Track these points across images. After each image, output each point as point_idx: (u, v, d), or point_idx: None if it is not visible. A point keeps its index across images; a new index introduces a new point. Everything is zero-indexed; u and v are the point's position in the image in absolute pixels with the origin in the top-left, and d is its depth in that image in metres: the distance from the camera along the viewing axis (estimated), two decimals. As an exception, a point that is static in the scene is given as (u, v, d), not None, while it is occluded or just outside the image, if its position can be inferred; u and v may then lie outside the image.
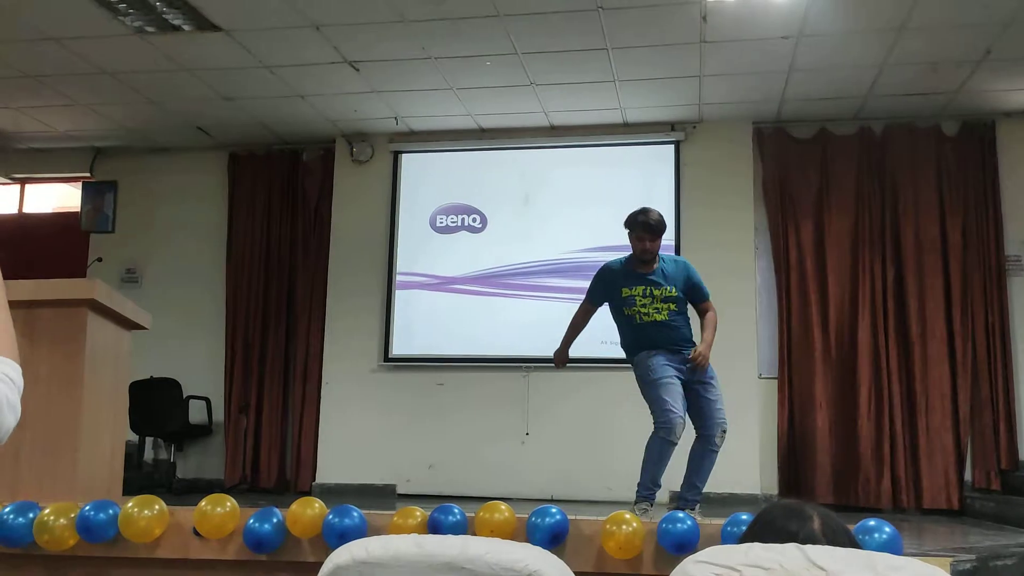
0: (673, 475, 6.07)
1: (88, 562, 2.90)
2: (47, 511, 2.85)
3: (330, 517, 2.78)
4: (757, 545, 1.13)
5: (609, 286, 4.28)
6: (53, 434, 3.41)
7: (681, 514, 2.72)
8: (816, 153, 6.47)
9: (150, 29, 5.32)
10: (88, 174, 7.57)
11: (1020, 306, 6.15)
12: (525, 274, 6.62)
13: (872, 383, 6.09)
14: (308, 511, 2.81)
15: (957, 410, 6.01)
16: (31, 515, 2.85)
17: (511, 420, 6.43)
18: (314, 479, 6.65)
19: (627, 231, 4.25)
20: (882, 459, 5.98)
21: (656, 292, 4.17)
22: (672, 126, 6.64)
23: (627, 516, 2.73)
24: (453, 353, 6.67)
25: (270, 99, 6.39)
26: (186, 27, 5.27)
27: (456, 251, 6.80)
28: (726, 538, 2.61)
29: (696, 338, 4.30)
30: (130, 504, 2.86)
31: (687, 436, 4.15)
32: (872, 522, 2.59)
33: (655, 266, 4.22)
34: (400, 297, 6.84)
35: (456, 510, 2.84)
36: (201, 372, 6.98)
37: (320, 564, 1.39)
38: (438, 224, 6.91)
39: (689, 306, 4.35)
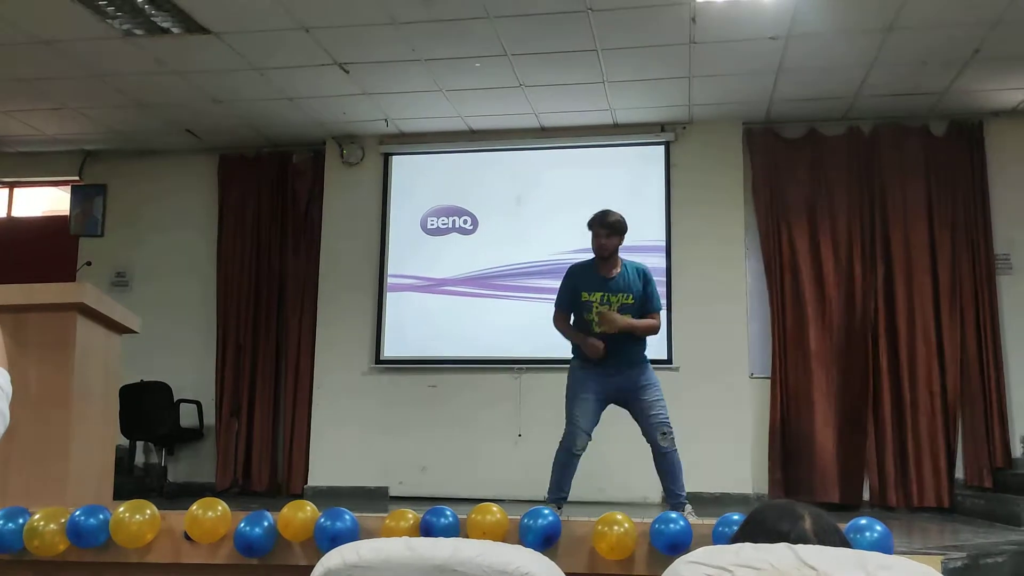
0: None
1: (79, 567, 2.88)
2: (37, 516, 2.83)
3: (322, 520, 2.77)
4: (748, 545, 1.13)
5: (575, 287, 4.35)
6: (43, 439, 3.39)
7: (674, 514, 2.72)
8: (806, 153, 6.50)
9: (138, 32, 5.30)
10: (77, 177, 7.54)
11: (1009, 304, 6.18)
12: (517, 275, 6.63)
13: (863, 382, 6.12)
14: (300, 514, 2.80)
15: (947, 408, 6.04)
16: (21, 521, 2.83)
17: (503, 422, 6.43)
18: (306, 482, 6.64)
19: (589, 232, 4.35)
20: (873, 458, 6.02)
21: (612, 299, 4.25)
22: (662, 127, 6.66)
23: (619, 517, 2.72)
24: (445, 355, 6.67)
25: (259, 101, 6.38)
26: (175, 30, 5.26)
27: (447, 253, 6.80)
28: (717, 538, 2.61)
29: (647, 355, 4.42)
30: (121, 509, 2.84)
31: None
32: (863, 521, 2.59)
33: (616, 271, 4.31)
34: (391, 299, 6.83)
35: (448, 512, 2.83)
36: (192, 375, 6.96)
37: (312, 568, 1.39)
38: (429, 226, 6.90)
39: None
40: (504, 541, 2.18)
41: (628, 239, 6.50)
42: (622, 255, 4.47)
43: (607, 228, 4.28)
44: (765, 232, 6.47)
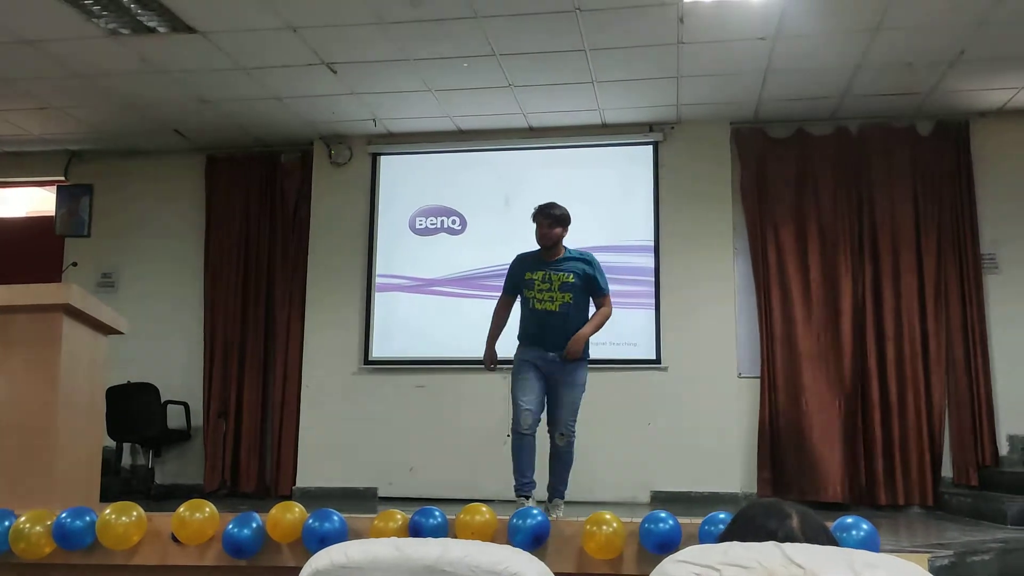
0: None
1: (65, 570, 2.86)
2: (23, 519, 2.82)
3: (310, 521, 2.76)
4: (736, 544, 1.13)
5: (520, 269, 4.55)
6: (29, 440, 3.37)
7: (663, 514, 2.73)
8: (793, 153, 6.52)
9: (124, 31, 5.27)
10: (63, 177, 7.49)
11: (996, 304, 6.22)
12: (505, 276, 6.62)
13: (850, 381, 6.15)
14: (288, 515, 2.79)
15: (933, 407, 6.08)
16: (7, 523, 2.82)
17: (492, 422, 6.41)
18: (294, 483, 6.61)
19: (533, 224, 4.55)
20: (860, 456, 6.04)
21: (554, 277, 4.44)
22: (650, 127, 6.67)
23: (608, 516, 2.73)
24: (433, 355, 6.66)
25: (247, 101, 6.35)
26: (161, 29, 5.23)
27: (436, 253, 6.79)
28: (704, 537, 2.62)
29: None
30: (107, 511, 2.83)
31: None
32: (850, 519, 2.60)
33: (559, 255, 4.50)
34: (380, 299, 6.82)
35: (437, 513, 2.83)
36: (179, 377, 6.92)
37: (300, 569, 1.38)
38: (417, 226, 6.89)
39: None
40: (493, 541, 2.18)
41: (617, 239, 6.61)
42: (580, 247, 4.73)
43: (550, 218, 4.47)
44: (753, 232, 6.49)
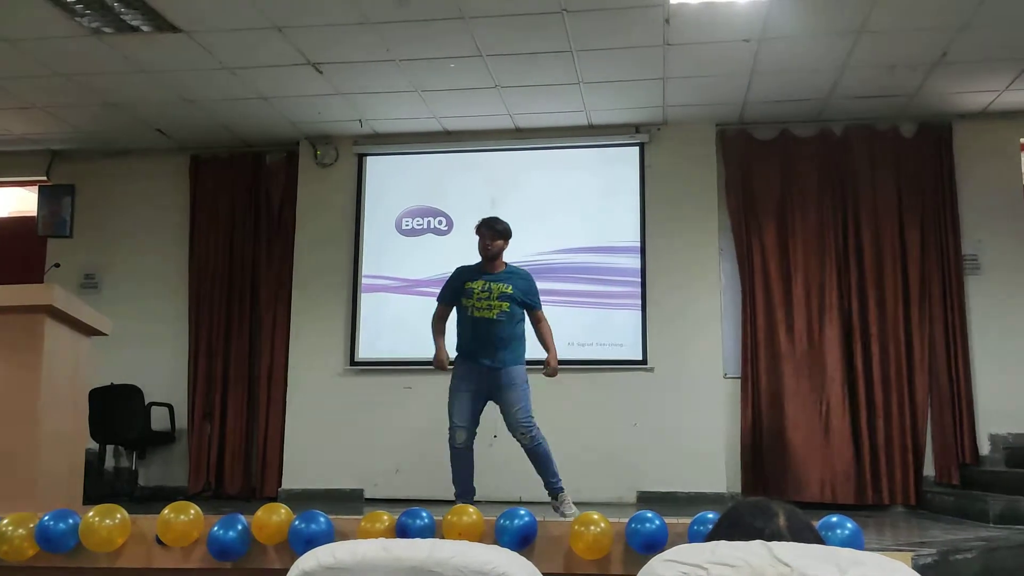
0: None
1: (48, 573, 2.84)
2: (5, 521, 2.79)
3: (296, 523, 2.75)
4: (723, 543, 1.14)
5: (460, 278, 4.74)
6: (11, 443, 3.34)
7: (650, 514, 2.73)
8: (778, 154, 6.56)
9: (107, 30, 5.23)
10: (45, 177, 7.42)
11: (977, 305, 6.28)
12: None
13: (834, 381, 6.18)
14: (274, 517, 2.78)
15: (916, 407, 6.13)
16: (-12, 526, 2.79)
17: (479, 423, 6.41)
18: (280, 485, 6.58)
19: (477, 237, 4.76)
20: (844, 456, 6.07)
21: (494, 287, 4.64)
22: (636, 128, 6.68)
23: (595, 517, 2.74)
24: (420, 356, 6.61)
25: (232, 101, 6.32)
26: (145, 28, 5.20)
27: (422, 254, 6.78)
28: (692, 537, 2.63)
29: (528, 347, 4.75)
30: (91, 513, 2.81)
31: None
32: (834, 518, 2.62)
33: (499, 269, 4.71)
34: (366, 300, 6.80)
35: (424, 514, 2.82)
36: (163, 378, 6.88)
37: (287, 571, 1.38)
38: (404, 227, 6.88)
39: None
40: (480, 542, 2.17)
41: (603, 240, 6.64)
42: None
43: (493, 231, 4.69)
44: (738, 233, 6.52)
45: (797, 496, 5.96)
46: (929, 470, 6.11)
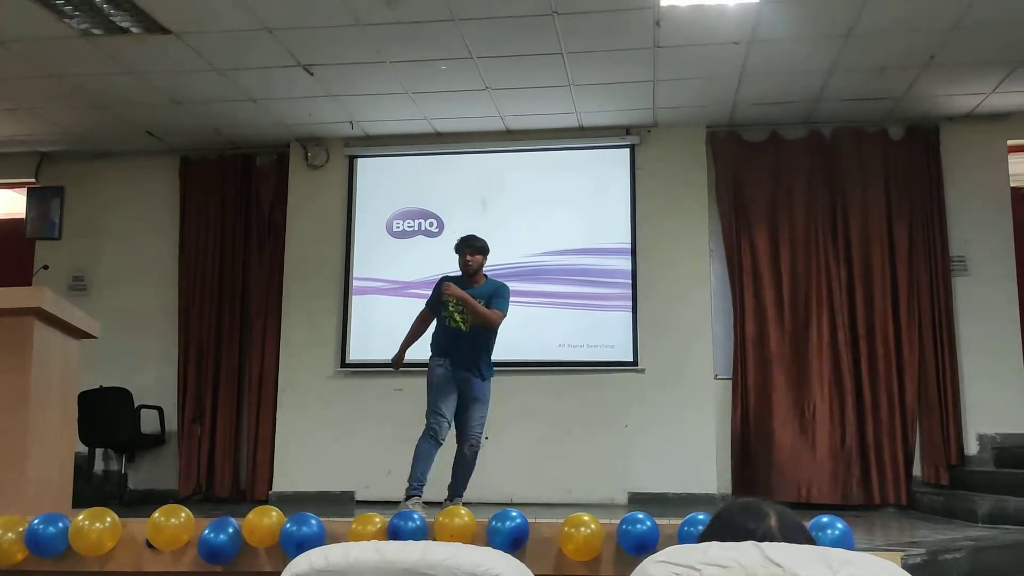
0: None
1: (37, 577, 2.82)
2: (-7, 526, 2.77)
3: (288, 526, 2.75)
4: (715, 544, 1.14)
5: (438, 293, 5.01)
6: (-1, 446, 3.32)
7: (641, 515, 2.74)
8: (768, 156, 6.58)
9: (97, 31, 5.21)
10: (33, 179, 7.38)
11: (965, 306, 6.31)
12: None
13: (823, 382, 6.21)
14: (265, 520, 2.77)
15: (905, 408, 6.16)
16: (-23, 530, 2.77)
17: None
18: (271, 487, 6.56)
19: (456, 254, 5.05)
20: (833, 456, 6.10)
21: None
22: (627, 130, 6.70)
23: (586, 518, 2.74)
24: (411, 358, 6.60)
25: (222, 103, 6.30)
26: (134, 29, 5.18)
27: (413, 256, 6.78)
28: (683, 538, 2.64)
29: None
30: (80, 517, 2.80)
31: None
32: (825, 518, 2.63)
33: (479, 283, 4.99)
34: (357, 302, 6.79)
35: (416, 515, 2.82)
36: (153, 381, 6.85)
37: (278, 574, 1.38)
38: (395, 229, 6.88)
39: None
40: (472, 544, 2.18)
41: (593, 241, 6.66)
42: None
43: (471, 248, 4.98)
44: (728, 234, 6.54)
45: (787, 497, 5.97)
46: (918, 470, 6.14)
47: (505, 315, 5.05)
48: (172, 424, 6.84)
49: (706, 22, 5.10)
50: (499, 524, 2.75)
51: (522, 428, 6.36)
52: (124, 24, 5.12)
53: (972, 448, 6.16)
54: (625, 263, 6.55)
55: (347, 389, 6.67)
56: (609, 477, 6.22)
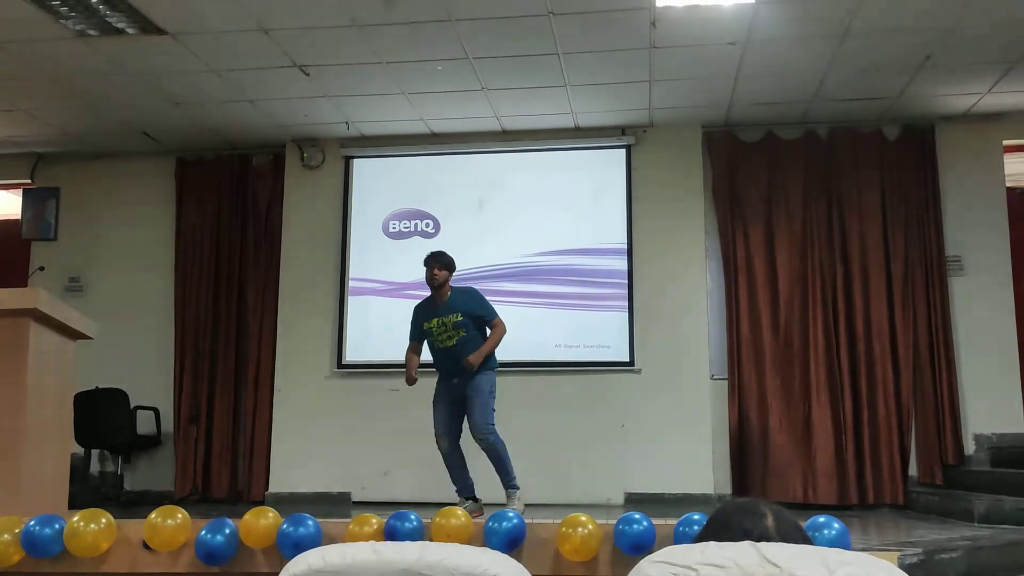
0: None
1: (33, 579, 2.82)
2: (-11, 527, 2.77)
3: (284, 526, 2.74)
4: (712, 544, 1.14)
5: (418, 321, 5.19)
6: (-6, 448, 3.32)
7: (637, 515, 2.74)
8: (764, 156, 6.59)
9: (93, 32, 5.20)
10: (29, 180, 7.37)
11: (961, 305, 6.33)
12: (479, 279, 6.61)
13: (820, 382, 6.21)
14: (262, 521, 2.77)
15: (901, 407, 6.17)
16: (-28, 532, 2.77)
17: (466, 425, 6.41)
18: (267, 488, 6.56)
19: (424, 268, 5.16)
20: (830, 456, 6.10)
21: (446, 320, 5.06)
22: (623, 130, 6.70)
23: (583, 519, 2.74)
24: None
25: (218, 103, 6.30)
26: (130, 30, 5.17)
27: (409, 257, 6.75)
28: (679, 538, 2.64)
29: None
30: (76, 518, 2.79)
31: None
32: (821, 518, 2.63)
33: (446, 297, 5.10)
34: (353, 303, 6.78)
35: (412, 516, 2.82)
36: (149, 382, 6.84)
37: (275, 575, 1.38)
38: (391, 229, 6.87)
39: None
40: (469, 544, 2.18)
41: (590, 241, 6.68)
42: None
43: (438, 263, 5.10)
44: (724, 234, 6.55)
45: (784, 496, 5.98)
46: (914, 470, 6.15)
47: (499, 315, 5.18)
48: (168, 425, 6.83)
49: (702, 23, 5.10)
50: (496, 525, 2.75)
51: (518, 428, 6.35)
52: (120, 25, 5.11)
53: (969, 447, 6.17)
54: (621, 263, 6.56)
55: (343, 390, 6.66)
56: (606, 477, 6.22)
